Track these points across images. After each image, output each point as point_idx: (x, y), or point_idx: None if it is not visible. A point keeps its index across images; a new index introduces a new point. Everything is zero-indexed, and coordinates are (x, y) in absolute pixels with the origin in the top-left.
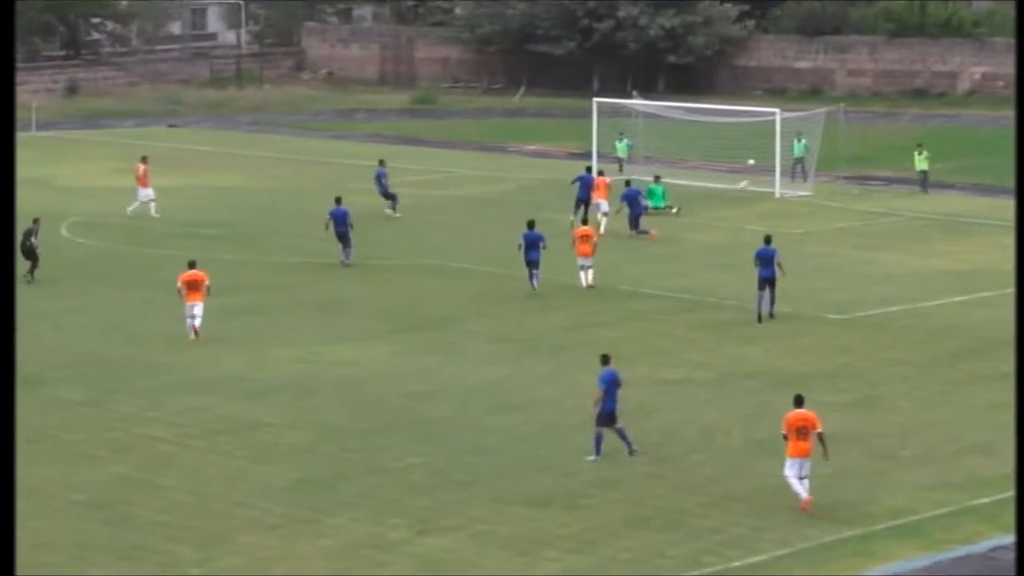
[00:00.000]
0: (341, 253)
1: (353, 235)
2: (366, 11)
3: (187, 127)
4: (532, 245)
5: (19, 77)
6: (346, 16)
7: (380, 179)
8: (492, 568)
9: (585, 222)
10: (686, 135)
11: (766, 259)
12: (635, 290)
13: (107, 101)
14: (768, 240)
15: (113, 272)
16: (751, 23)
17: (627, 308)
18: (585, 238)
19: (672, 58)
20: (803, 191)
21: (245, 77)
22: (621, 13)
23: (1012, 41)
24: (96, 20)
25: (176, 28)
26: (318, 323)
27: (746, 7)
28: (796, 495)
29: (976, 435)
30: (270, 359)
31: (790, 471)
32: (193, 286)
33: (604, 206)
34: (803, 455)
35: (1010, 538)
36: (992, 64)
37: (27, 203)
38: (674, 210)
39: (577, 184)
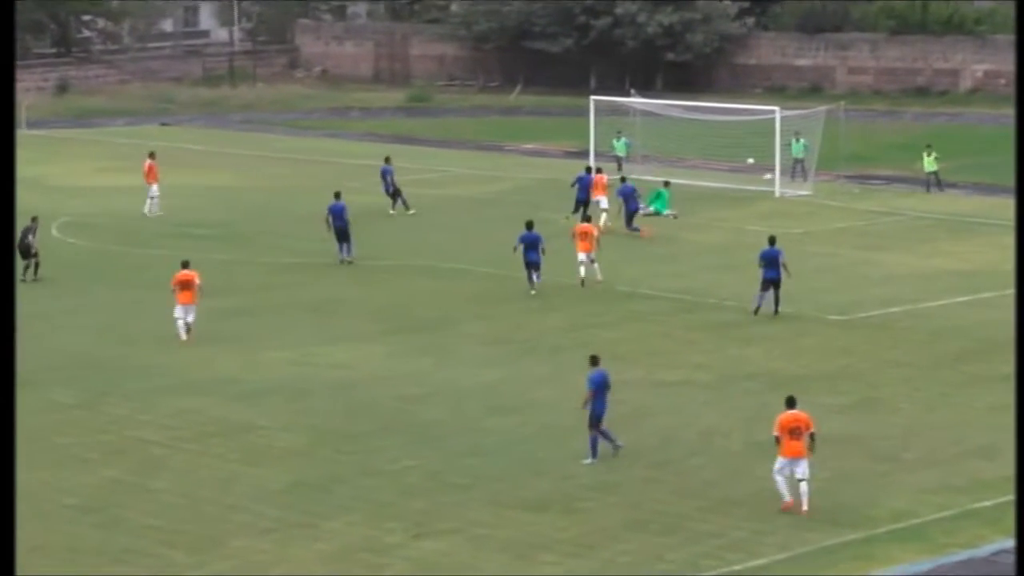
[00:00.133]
0: (340, 251)
1: (352, 231)
2: (360, 8)
3: (179, 125)
4: (531, 246)
5: None
6: (340, 13)
7: (385, 176)
8: (490, 572)
9: (588, 220)
10: (685, 133)
11: (771, 260)
12: (634, 291)
13: (98, 99)
14: (772, 241)
15: (105, 272)
16: (750, 20)
17: (626, 309)
18: (585, 234)
19: (671, 55)
20: (803, 190)
21: (238, 75)
22: (619, 10)
23: (1014, 38)
24: (87, 18)
25: (168, 25)
26: (312, 324)
27: (745, 4)
28: (780, 495)
29: (978, 437)
30: (263, 361)
31: (778, 471)
32: (186, 286)
33: (604, 202)
34: (795, 455)
35: (1012, 542)
36: (994, 62)
37: (17, 203)
38: (674, 217)
39: (576, 187)
